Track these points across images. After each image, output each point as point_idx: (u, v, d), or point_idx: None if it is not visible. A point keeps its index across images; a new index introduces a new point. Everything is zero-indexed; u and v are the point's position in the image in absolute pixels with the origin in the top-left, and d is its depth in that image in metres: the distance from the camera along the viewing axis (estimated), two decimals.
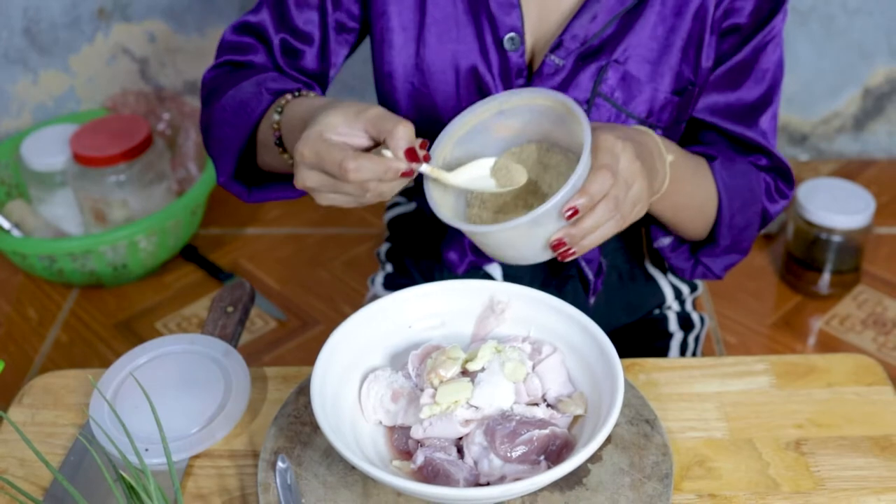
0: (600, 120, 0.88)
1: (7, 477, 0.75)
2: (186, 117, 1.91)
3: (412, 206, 1.14)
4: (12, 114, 2.00)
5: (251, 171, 0.90)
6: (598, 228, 0.73)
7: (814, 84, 1.95)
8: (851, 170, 1.99)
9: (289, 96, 0.81)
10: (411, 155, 0.70)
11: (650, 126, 0.90)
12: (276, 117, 0.80)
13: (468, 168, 0.75)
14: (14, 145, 1.87)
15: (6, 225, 1.77)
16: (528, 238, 0.73)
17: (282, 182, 0.90)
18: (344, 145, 0.70)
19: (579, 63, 0.88)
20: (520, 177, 0.75)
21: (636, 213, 0.76)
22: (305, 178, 0.71)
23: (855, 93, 1.96)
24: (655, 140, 0.83)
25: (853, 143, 2.03)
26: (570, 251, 0.73)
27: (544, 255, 0.75)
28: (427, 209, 1.02)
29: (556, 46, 0.87)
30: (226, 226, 1.94)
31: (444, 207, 0.75)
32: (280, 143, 0.81)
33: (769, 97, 0.93)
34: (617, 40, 0.87)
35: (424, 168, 0.72)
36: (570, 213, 0.71)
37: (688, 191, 0.89)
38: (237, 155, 0.85)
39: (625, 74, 0.87)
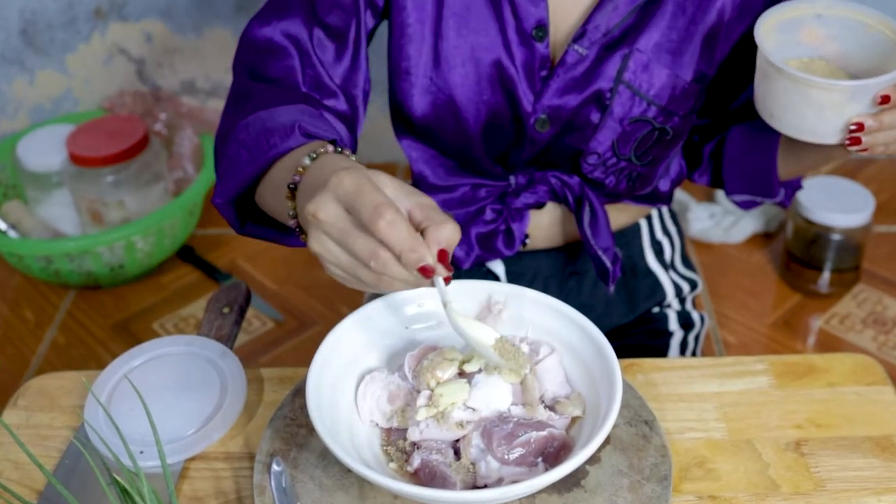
0: (623, 108, 0.89)
1: (1, 480, 0.74)
2: (183, 117, 1.91)
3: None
4: (9, 114, 2.00)
5: (246, 201, 0.79)
6: (893, 130, 0.78)
7: None
8: (850, 168, 1.99)
9: (330, 147, 0.69)
10: (443, 257, 0.61)
11: (669, 113, 0.90)
12: (307, 162, 0.68)
13: (478, 326, 0.69)
14: (10, 146, 1.87)
15: (2, 226, 1.77)
16: (838, 108, 0.77)
17: (276, 227, 0.80)
18: (387, 197, 0.60)
19: (603, 53, 0.88)
20: (523, 366, 0.70)
21: None
22: (323, 208, 0.61)
23: None
24: None
25: None
26: (861, 140, 0.78)
27: (835, 136, 0.79)
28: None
29: (580, 36, 0.87)
30: (223, 226, 1.93)
31: (769, 42, 0.79)
32: (294, 187, 0.68)
33: None
34: (638, 29, 0.88)
35: (440, 282, 0.63)
36: (882, 98, 0.77)
37: None
38: (244, 184, 0.74)
39: (647, 62, 0.88)
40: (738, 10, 0.88)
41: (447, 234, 0.61)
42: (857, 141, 0.79)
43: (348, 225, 0.60)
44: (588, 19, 0.87)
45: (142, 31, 1.92)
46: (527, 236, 1.00)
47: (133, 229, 1.67)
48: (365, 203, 0.59)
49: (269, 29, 0.85)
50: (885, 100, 0.77)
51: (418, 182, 0.99)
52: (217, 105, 2.00)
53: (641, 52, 0.88)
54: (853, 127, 0.78)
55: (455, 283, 0.78)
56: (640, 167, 0.94)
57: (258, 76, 0.84)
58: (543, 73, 0.89)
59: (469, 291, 0.78)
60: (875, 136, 0.79)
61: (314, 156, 0.68)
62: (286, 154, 0.72)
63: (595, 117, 0.90)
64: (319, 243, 0.62)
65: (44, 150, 1.79)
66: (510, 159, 0.95)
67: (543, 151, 0.94)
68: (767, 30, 0.81)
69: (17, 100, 1.98)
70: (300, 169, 0.68)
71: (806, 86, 0.77)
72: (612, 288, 0.98)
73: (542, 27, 0.87)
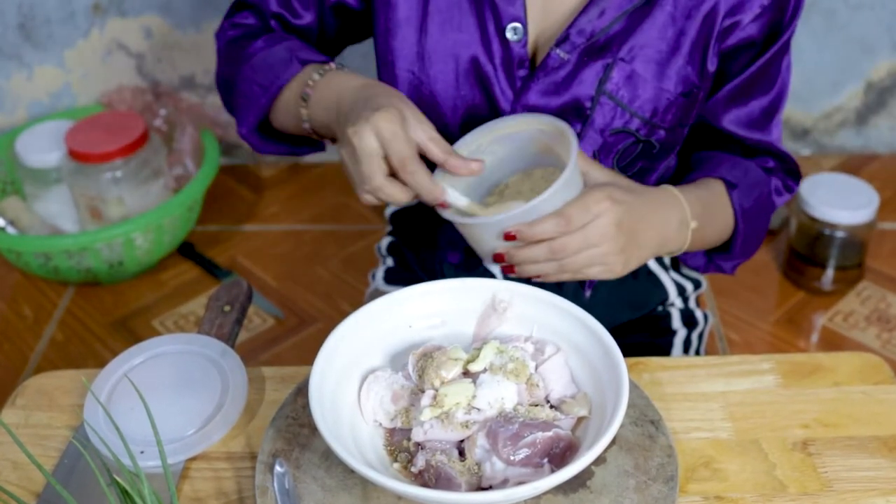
0: (604, 118, 0.88)
1: (1, 480, 0.73)
2: (183, 113, 1.90)
3: (414, 200, 1.13)
4: (7, 110, 1.99)
5: (264, 128, 0.97)
6: (535, 265, 0.79)
7: (815, 78, 1.93)
8: (853, 165, 1.98)
9: (333, 65, 0.88)
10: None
11: (653, 126, 0.89)
12: (316, 77, 0.87)
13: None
14: (9, 141, 1.86)
15: (0, 222, 1.76)
16: (480, 239, 0.80)
17: (291, 142, 0.99)
18: (412, 142, 0.78)
19: (584, 59, 0.87)
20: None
21: (595, 272, 0.81)
22: (366, 138, 0.76)
23: (857, 87, 1.94)
24: (680, 210, 0.86)
25: (855, 138, 2.02)
26: (511, 269, 0.80)
27: (489, 261, 0.81)
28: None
29: (563, 40, 0.86)
30: (223, 222, 1.92)
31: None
32: (305, 98, 0.87)
33: (779, 100, 0.95)
34: (624, 38, 0.86)
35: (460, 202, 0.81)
36: (506, 236, 0.77)
37: (707, 237, 0.93)
38: (262, 111, 0.92)
39: (631, 73, 0.86)
40: (731, 21, 0.87)
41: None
42: (507, 269, 0.80)
43: (379, 156, 0.78)
44: (572, 23, 0.86)
45: (141, 26, 1.91)
46: None
47: (132, 226, 1.67)
48: (393, 149, 0.77)
49: (234, 25, 0.99)
50: (509, 237, 0.77)
51: None
52: (217, 101, 1.99)
53: (625, 61, 0.86)
54: (495, 256, 0.79)
55: (459, 282, 0.78)
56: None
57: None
58: (522, 72, 0.89)
59: (473, 290, 0.77)
60: (524, 268, 0.79)
61: (322, 72, 0.87)
62: (292, 79, 0.89)
63: (576, 127, 0.89)
64: (363, 135, 0.77)
65: (42, 146, 1.78)
66: None
67: None
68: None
69: (16, 95, 1.97)
70: (310, 83, 0.87)
71: (453, 221, 0.80)
72: (587, 293, 0.98)
73: (518, 27, 0.87)
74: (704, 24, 0.86)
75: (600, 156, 0.90)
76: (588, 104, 0.87)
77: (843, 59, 1.90)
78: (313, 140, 0.95)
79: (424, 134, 0.78)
